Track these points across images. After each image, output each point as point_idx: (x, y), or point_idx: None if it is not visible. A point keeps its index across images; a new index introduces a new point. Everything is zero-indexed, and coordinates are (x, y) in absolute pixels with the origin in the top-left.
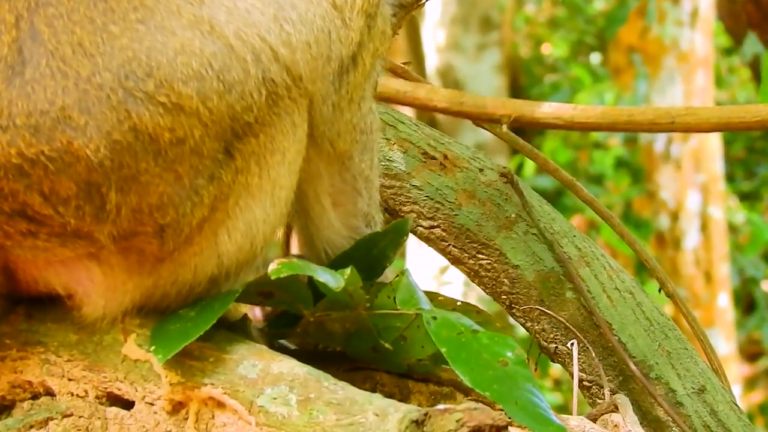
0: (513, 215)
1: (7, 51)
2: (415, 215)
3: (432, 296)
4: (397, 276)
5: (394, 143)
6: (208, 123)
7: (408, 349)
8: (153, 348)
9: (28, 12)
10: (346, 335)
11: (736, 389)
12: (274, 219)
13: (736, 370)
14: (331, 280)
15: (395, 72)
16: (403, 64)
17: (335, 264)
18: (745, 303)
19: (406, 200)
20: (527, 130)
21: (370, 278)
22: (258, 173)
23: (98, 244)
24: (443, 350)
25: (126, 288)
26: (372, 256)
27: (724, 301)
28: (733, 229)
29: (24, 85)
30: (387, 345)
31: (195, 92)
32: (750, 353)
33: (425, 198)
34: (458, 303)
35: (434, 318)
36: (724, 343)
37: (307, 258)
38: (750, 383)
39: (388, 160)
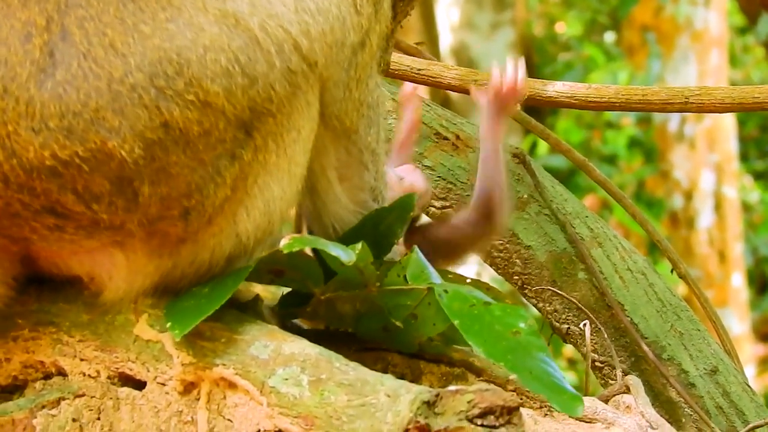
0: (525, 196)
1: (38, 54)
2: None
3: (442, 274)
4: (407, 253)
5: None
6: (231, 115)
7: (419, 328)
8: (169, 324)
9: (58, 14)
10: (357, 315)
11: (750, 369)
12: (290, 196)
13: (749, 350)
14: (343, 254)
15: (408, 52)
16: (416, 44)
17: (343, 241)
18: (759, 283)
19: None
20: (541, 109)
21: (378, 255)
22: (275, 151)
23: (125, 232)
24: (456, 322)
25: (147, 270)
26: (379, 232)
27: (737, 280)
28: (747, 208)
29: (56, 87)
30: (398, 323)
31: (222, 89)
32: (764, 333)
33: (437, 178)
34: (468, 280)
35: (446, 291)
36: (738, 323)
37: (317, 235)
38: (764, 363)
39: None
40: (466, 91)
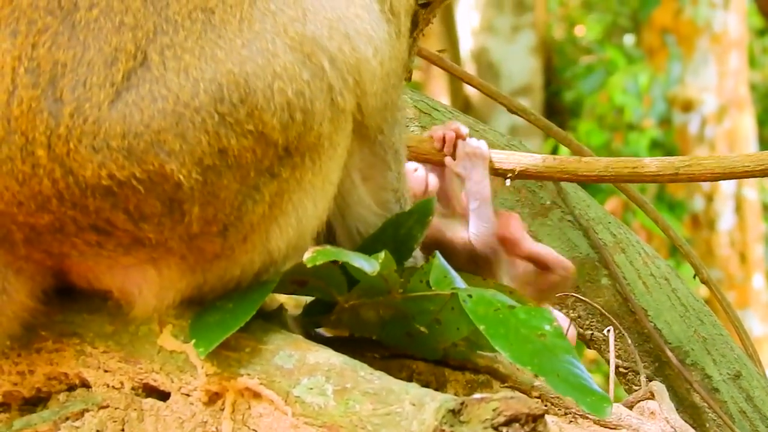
0: (548, 202)
1: (120, 78)
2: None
3: (466, 278)
4: (429, 259)
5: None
6: (281, 146)
7: (443, 333)
8: (194, 341)
9: (145, 41)
10: (381, 322)
11: None
12: (321, 213)
13: None
14: (366, 265)
15: (430, 59)
16: (439, 51)
17: (364, 247)
18: None
19: None
20: (562, 111)
21: (399, 260)
22: (312, 169)
23: (164, 249)
24: (481, 327)
25: (179, 287)
26: (399, 237)
27: (759, 282)
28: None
29: (123, 109)
30: (422, 329)
31: (279, 124)
32: None
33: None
34: (492, 283)
35: (470, 296)
36: (759, 324)
37: (339, 238)
38: None
39: None
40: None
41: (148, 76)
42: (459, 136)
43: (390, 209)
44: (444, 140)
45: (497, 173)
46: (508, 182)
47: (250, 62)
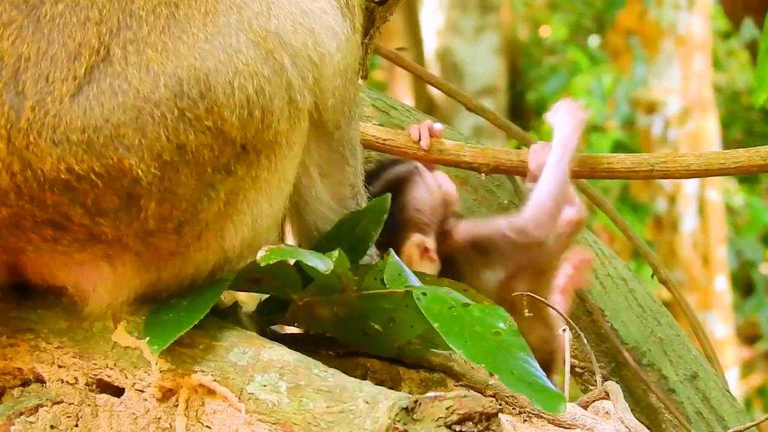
0: (505, 201)
1: (83, 72)
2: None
3: (420, 276)
4: (382, 257)
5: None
6: (239, 143)
7: (398, 330)
8: (148, 339)
9: (109, 36)
10: (336, 319)
11: (734, 372)
12: (276, 212)
13: (734, 354)
14: (320, 263)
15: (389, 57)
16: (398, 49)
17: (320, 246)
18: (743, 286)
19: None
20: (525, 112)
21: (354, 259)
22: (267, 167)
23: (120, 246)
24: (436, 325)
25: (133, 284)
26: (355, 235)
27: (722, 284)
28: (731, 211)
29: (85, 102)
30: (377, 327)
31: (238, 121)
32: (748, 336)
33: None
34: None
35: (424, 294)
36: (722, 326)
37: (296, 234)
38: (748, 366)
39: None
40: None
41: (109, 70)
42: (432, 132)
43: (347, 205)
44: (420, 133)
45: (471, 167)
46: (483, 176)
47: (212, 57)
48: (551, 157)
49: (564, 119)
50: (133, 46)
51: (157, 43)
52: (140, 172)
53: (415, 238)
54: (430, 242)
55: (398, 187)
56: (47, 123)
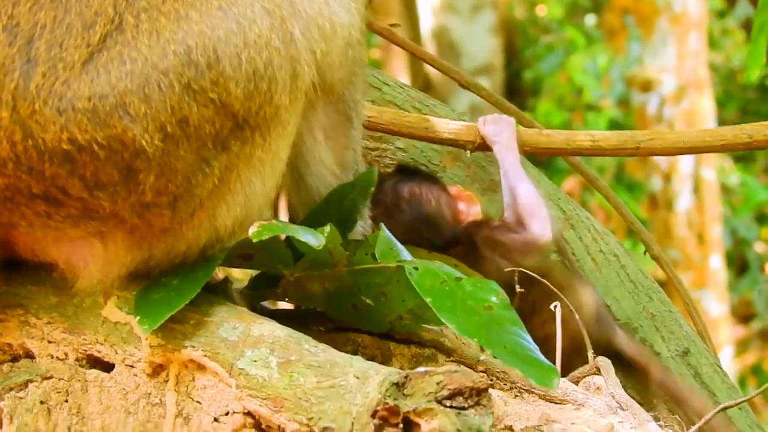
0: (498, 177)
1: (96, 40)
2: None
3: (412, 251)
4: (374, 231)
5: (380, 105)
6: (240, 117)
7: (389, 305)
8: (138, 318)
9: (125, 5)
10: (326, 295)
11: (728, 351)
12: (269, 190)
13: (728, 332)
14: (312, 239)
15: (381, 33)
16: (390, 25)
17: (308, 220)
18: (738, 264)
19: (391, 162)
20: (522, 90)
21: (343, 233)
22: (261, 145)
23: (114, 222)
24: (428, 300)
25: (124, 261)
26: (343, 208)
27: (716, 262)
28: (726, 190)
29: (94, 70)
30: (368, 301)
31: (243, 94)
32: (742, 315)
33: (410, 160)
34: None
35: (416, 269)
36: (716, 304)
37: (298, 201)
38: (742, 345)
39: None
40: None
41: (121, 38)
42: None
43: (349, 170)
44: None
45: (457, 145)
46: (468, 153)
47: (223, 26)
48: (504, 167)
49: (495, 130)
50: (146, 14)
51: (170, 11)
52: (144, 143)
53: None
54: None
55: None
56: (55, 90)
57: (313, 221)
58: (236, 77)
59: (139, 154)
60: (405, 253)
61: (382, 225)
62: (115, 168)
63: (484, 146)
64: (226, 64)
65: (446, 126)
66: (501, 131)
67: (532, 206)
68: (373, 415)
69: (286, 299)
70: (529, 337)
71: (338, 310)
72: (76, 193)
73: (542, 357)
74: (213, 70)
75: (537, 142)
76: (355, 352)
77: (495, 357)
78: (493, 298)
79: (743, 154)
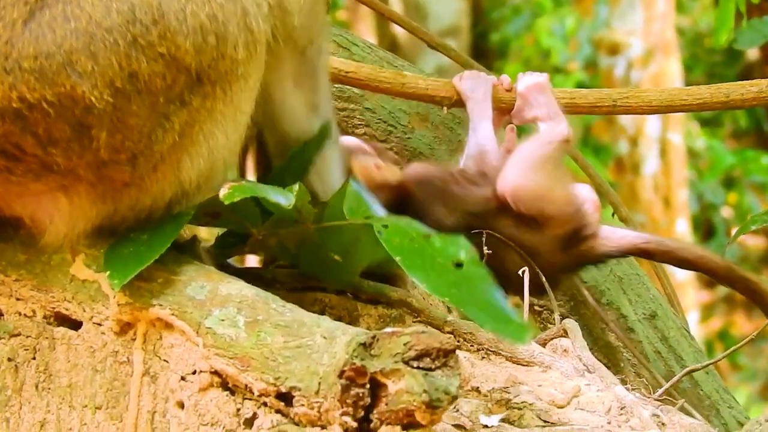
0: (465, 138)
1: None
2: (367, 138)
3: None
4: (342, 185)
5: None
6: (193, 71)
7: (358, 260)
8: (108, 273)
9: None
10: (295, 251)
11: (694, 315)
12: (233, 144)
13: (694, 297)
14: (282, 199)
15: None
16: None
17: (275, 177)
18: (704, 229)
19: (359, 123)
20: (489, 53)
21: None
22: (223, 99)
23: (73, 177)
24: (398, 258)
25: (89, 215)
26: (306, 164)
27: (682, 226)
28: (693, 154)
29: (37, 29)
30: (336, 257)
31: (192, 47)
32: (708, 280)
33: (378, 121)
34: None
35: (385, 227)
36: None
37: (275, 150)
38: (708, 309)
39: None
40: (397, 94)
41: None
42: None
43: (321, 112)
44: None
45: (434, 101)
46: (445, 110)
47: None
48: (473, 122)
49: (470, 85)
50: None
51: None
52: (93, 99)
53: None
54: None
55: None
56: None
57: (277, 179)
58: (183, 31)
59: (90, 110)
60: (375, 207)
61: (351, 179)
62: (66, 124)
63: (460, 102)
64: (171, 19)
65: (423, 82)
66: (476, 87)
67: (493, 161)
68: (340, 375)
69: (255, 253)
70: (500, 294)
71: (307, 265)
72: (30, 149)
73: (514, 314)
74: (159, 25)
75: (513, 100)
76: (322, 312)
77: (466, 317)
78: (462, 253)
79: (710, 118)
